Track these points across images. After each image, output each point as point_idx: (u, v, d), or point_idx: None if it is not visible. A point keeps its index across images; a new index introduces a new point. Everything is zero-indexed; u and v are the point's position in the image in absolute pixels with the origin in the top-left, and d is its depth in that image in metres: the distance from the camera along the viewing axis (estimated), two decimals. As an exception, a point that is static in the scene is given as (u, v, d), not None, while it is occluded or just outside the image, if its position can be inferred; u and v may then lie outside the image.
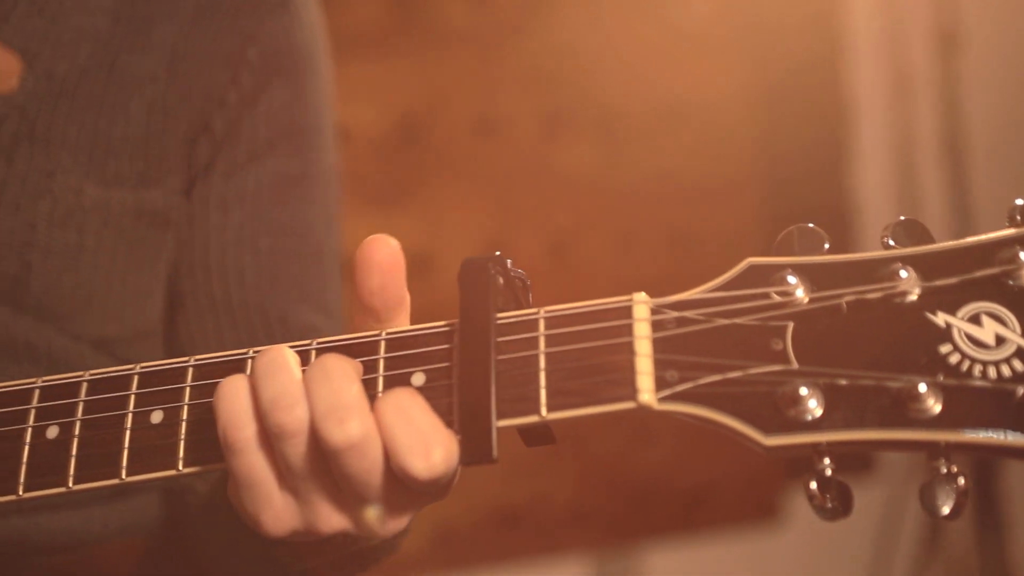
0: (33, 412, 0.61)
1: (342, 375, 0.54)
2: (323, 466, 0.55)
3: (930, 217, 2.76)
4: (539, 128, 2.58)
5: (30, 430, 0.60)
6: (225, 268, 0.86)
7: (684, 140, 2.60)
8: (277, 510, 0.55)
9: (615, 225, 2.56)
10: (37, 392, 0.61)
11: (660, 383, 0.52)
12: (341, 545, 0.63)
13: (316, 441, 0.54)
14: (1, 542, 0.78)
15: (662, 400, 0.52)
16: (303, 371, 0.56)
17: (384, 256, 0.57)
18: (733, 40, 2.60)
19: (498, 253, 0.57)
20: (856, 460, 2.65)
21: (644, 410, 0.53)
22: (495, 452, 0.53)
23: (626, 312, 0.54)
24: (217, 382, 0.59)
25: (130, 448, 0.59)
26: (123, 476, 0.59)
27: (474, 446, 0.54)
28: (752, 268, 0.54)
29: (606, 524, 2.49)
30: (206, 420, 0.59)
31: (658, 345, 0.53)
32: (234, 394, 0.55)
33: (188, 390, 0.60)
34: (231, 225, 0.86)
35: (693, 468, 2.51)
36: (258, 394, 0.55)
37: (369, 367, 0.57)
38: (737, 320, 0.52)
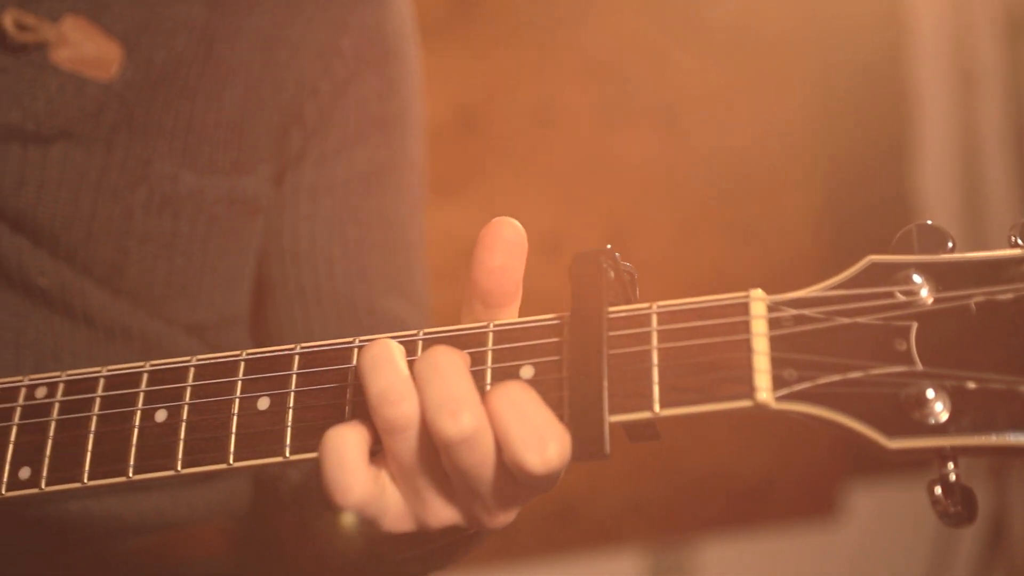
0: (142, 395, 0.61)
1: (452, 367, 0.54)
2: (434, 460, 0.54)
3: (995, 213, 2.70)
4: (598, 118, 2.56)
5: (139, 413, 0.61)
6: (314, 257, 0.86)
7: (745, 133, 2.57)
8: (391, 517, 0.55)
9: (674, 217, 2.54)
10: (146, 376, 0.62)
11: (778, 382, 0.51)
12: (439, 537, 0.63)
13: (427, 435, 0.53)
14: (95, 521, 0.79)
15: (780, 399, 0.51)
16: (411, 362, 0.55)
17: (510, 236, 0.56)
18: (796, 32, 2.56)
19: (608, 246, 0.57)
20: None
21: (761, 409, 0.52)
22: (607, 447, 0.53)
23: (742, 309, 0.53)
24: (322, 370, 0.59)
25: (237, 434, 0.59)
26: (230, 461, 0.59)
27: (586, 441, 0.53)
28: (873, 266, 0.52)
29: (661, 517, 2.48)
30: (313, 407, 0.59)
31: (776, 343, 0.52)
32: (344, 439, 0.54)
33: (295, 377, 0.60)
34: (321, 214, 0.86)
35: (750, 462, 2.48)
36: (365, 389, 0.54)
37: (477, 359, 0.56)
38: (858, 319, 0.51)
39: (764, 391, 0.51)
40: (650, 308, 0.55)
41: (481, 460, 0.53)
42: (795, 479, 2.52)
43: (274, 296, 0.87)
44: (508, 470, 0.53)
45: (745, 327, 0.52)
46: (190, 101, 0.82)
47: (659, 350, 0.54)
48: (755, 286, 0.55)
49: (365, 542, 0.64)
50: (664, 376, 0.53)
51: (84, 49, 0.79)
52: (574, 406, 0.54)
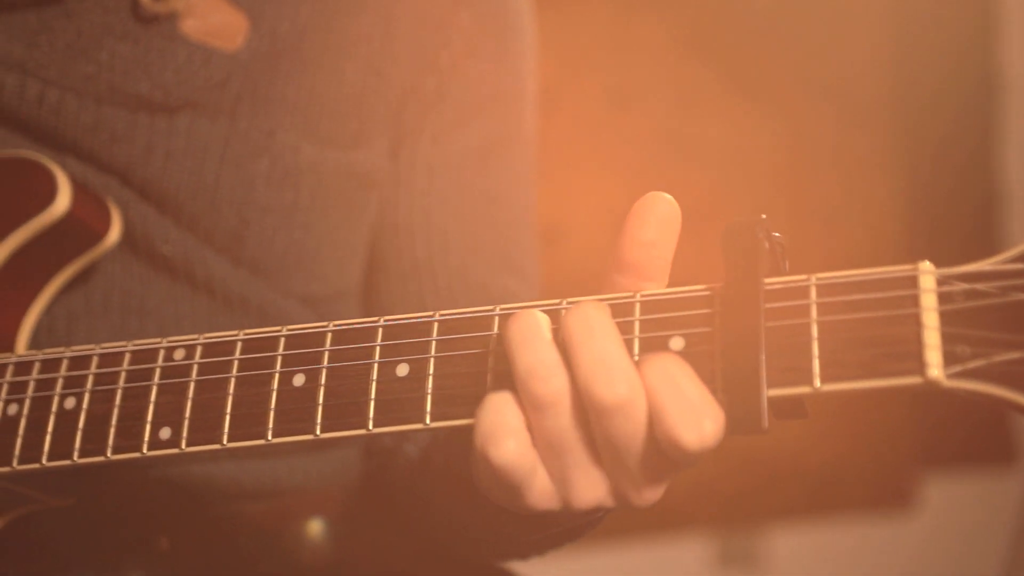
0: (279, 359, 0.61)
1: (605, 332, 0.51)
2: (582, 436, 0.52)
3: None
4: (674, 99, 2.52)
5: (277, 376, 0.60)
6: (429, 232, 0.85)
7: (823, 115, 2.50)
8: (537, 490, 0.53)
9: (750, 201, 2.49)
10: (283, 340, 0.61)
11: (949, 358, 0.49)
12: (578, 517, 0.61)
13: (578, 409, 0.52)
14: (216, 485, 0.79)
15: (951, 377, 0.48)
16: (561, 323, 0.53)
17: (664, 211, 0.54)
18: (877, 12, 2.49)
19: (764, 216, 0.54)
20: (996, 451, 2.53)
21: (931, 386, 0.49)
22: (765, 422, 0.50)
23: (911, 282, 0.50)
24: (462, 337, 0.58)
25: (376, 400, 0.58)
26: (370, 427, 0.58)
27: (742, 416, 0.51)
28: (1052, 240, 0.49)
29: (730, 503, 2.44)
30: (453, 375, 0.57)
31: (946, 318, 0.49)
32: (496, 414, 0.52)
33: (434, 344, 0.58)
34: (436, 189, 0.85)
35: (823, 449, 2.43)
36: (512, 364, 0.52)
37: (623, 328, 0.54)
38: (1038, 295, 0.48)
39: (935, 368, 0.49)
40: (808, 280, 0.53)
41: (634, 431, 0.51)
42: (867, 468, 2.47)
43: (387, 271, 0.86)
44: (658, 444, 0.52)
45: (913, 301, 0.50)
46: (312, 73, 0.81)
47: (819, 323, 0.51)
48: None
49: (494, 519, 0.63)
50: (825, 350, 0.51)
51: (211, 19, 0.79)
52: (728, 379, 0.52)
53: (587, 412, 0.51)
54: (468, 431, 0.55)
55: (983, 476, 2.32)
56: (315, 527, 0.81)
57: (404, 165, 0.85)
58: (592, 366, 0.51)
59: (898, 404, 2.44)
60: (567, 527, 0.63)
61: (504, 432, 0.52)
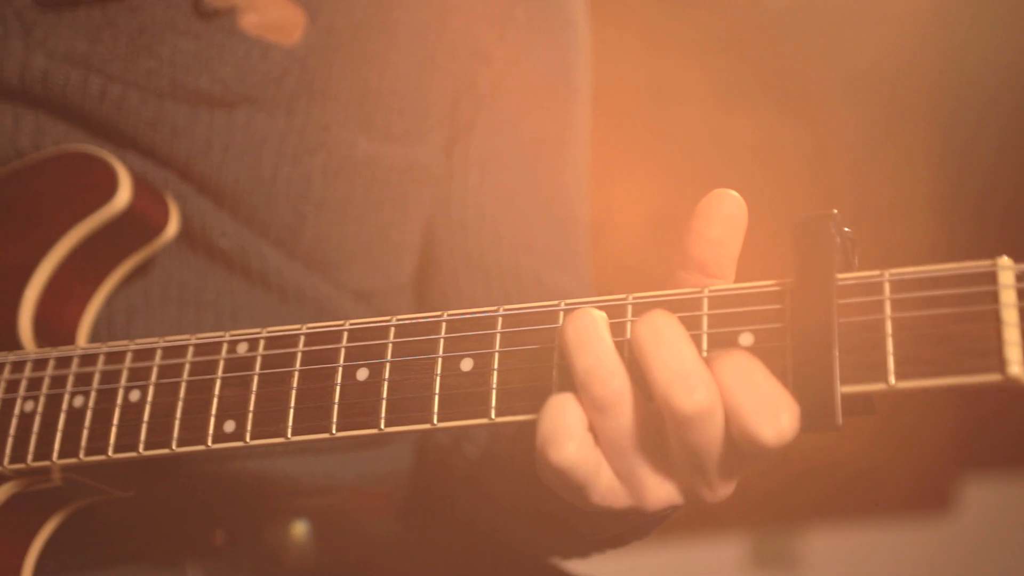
0: (343, 353, 0.61)
1: (676, 337, 0.50)
2: (648, 436, 0.51)
3: None
4: (713, 97, 2.50)
5: (340, 370, 0.60)
6: (482, 228, 0.84)
7: (862, 113, 2.48)
8: (602, 489, 0.52)
9: (785, 197, 2.47)
10: (346, 334, 0.61)
11: (1030, 355, 0.48)
12: (650, 515, 0.61)
13: (641, 410, 0.51)
14: (270, 480, 0.80)
15: (1033, 374, 0.48)
16: (631, 333, 0.53)
17: (730, 209, 0.53)
18: (918, 10, 2.46)
19: (836, 211, 0.54)
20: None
21: (1011, 384, 0.48)
22: (839, 418, 0.50)
23: (989, 278, 0.49)
24: (527, 330, 0.58)
25: (441, 394, 0.58)
26: (434, 422, 0.58)
27: (815, 412, 0.50)
28: None
29: (765, 502, 2.42)
30: (518, 369, 0.57)
31: (1027, 314, 0.48)
32: (559, 421, 0.52)
33: (498, 338, 0.58)
34: (489, 185, 0.85)
35: (861, 450, 2.40)
36: (571, 366, 0.52)
37: (691, 324, 0.54)
38: (1122, 291, 0.47)
39: (1016, 365, 0.47)
40: (881, 276, 0.52)
41: (713, 435, 0.50)
42: (907, 470, 2.44)
43: (440, 266, 0.86)
44: (735, 442, 0.51)
45: (992, 297, 0.49)
46: (367, 68, 0.81)
47: (893, 319, 0.50)
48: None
49: (561, 517, 0.63)
50: (899, 347, 0.50)
51: (270, 15, 0.79)
52: (800, 375, 0.51)
53: (663, 419, 0.51)
54: (533, 427, 0.55)
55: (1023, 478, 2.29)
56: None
57: (457, 160, 0.85)
58: (667, 375, 0.50)
59: (937, 405, 2.41)
60: (635, 524, 0.63)
61: (564, 435, 0.51)
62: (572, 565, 0.84)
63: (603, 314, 0.53)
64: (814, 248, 0.52)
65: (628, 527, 0.62)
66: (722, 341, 0.53)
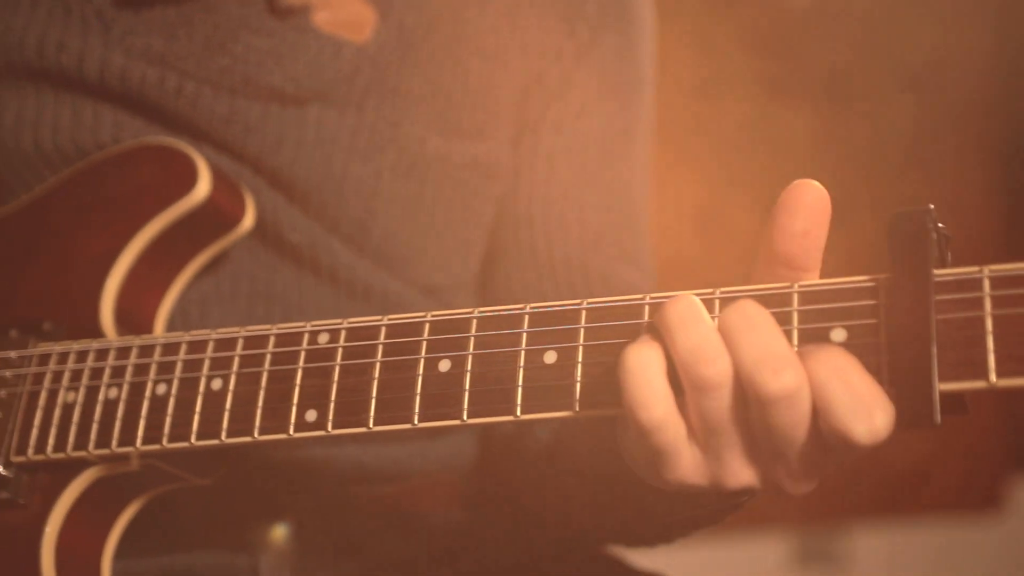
0: (424, 344, 0.61)
1: (767, 323, 0.50)
2: (741, 418, 0.51)
3: None
4: (761, 92, 2.47)
5: (422, 362, 0.60)
6: (549, 223, 0.84)
7: (913, 108, 2.44)
8: (683, 462, 0.52)
9: (835, 194, 2.43)
10: (427, 326, 0.61)
11: None
12: (730, 497, 0.60)
13: (739, 393, 0.50)
14: (338, 468, 0.80)
15: None
16: (720, 317, 0.53)
17: (814, 199, 0.52)
18: (973, 1, 2.41)
19: (932, 206, 0.53)
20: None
21: (1117, 383, 0.47)
22: (938, 416, 0.49)
23: (1094, 274, 0.48)
24: (611, 325, 0.57)
25: (524, 386, 0.58)
26: (517, 413, 0.57)
27: (912, 410, 0.49)
28: None
29: (811, 501, 2.40)
30: (602, 363, 0.57)
31: None
32: (641, 369, 0.51)
33: (582, 332, 0.58)
34: (556, 180, 0.84)
35: (908, 448, 2.37)
36: (674, 345, 0.51)
37: (781, 319, 0.53)
38: None
39: (1124, 363, 0.47)
40: (980, 272, 0.51)
41: (797, 421, 0.49)
42: (955, 469, 2.40)
43: (505, 260, 0.86)
44: (822, 436, 0.50)
45: (1098, 294, 0.48)
46: (439, 65, 0.81)
47: (993, 317, 0.49)
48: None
49: (636, 499, 0.63)
50: (1000, 344, 0.49)
51: (342, 12, 0.79)
52: (896, 372, 0.50)
53: (748, 401, 0.50)
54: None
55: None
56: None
57: (525, 155, 0.85)
58: (756, 355, 0.49)
59: (987, 403, 2.37)
60: (708, 510, 0.62)
61: (654, 396, 0.51)
62: (633, 555, 0.84)
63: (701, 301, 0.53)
64: (910, 243, 0.51)
65: (702, 510, 0.62)
66: (813, 336, 0.53)
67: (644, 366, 0.51)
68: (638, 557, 0.85)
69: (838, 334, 0.52)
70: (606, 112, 0.86)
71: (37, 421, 0.66)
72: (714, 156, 2.47)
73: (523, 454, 0.79)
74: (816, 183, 0.53)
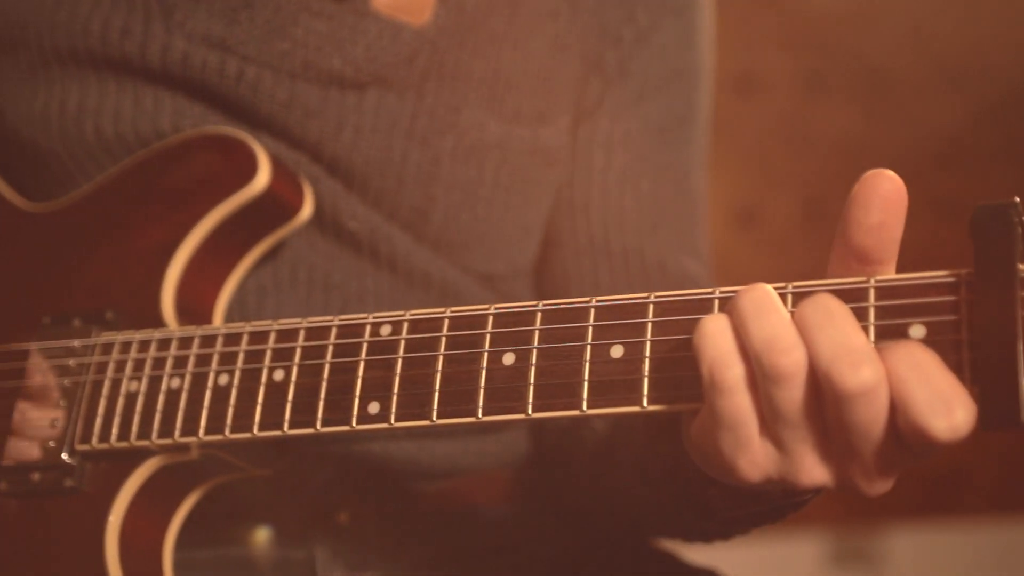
0: (488, 337, 0.60)
1: (845, 317, 0.49)
2: (815, 412, 0.49)
3: None
4: (802, 88, 2.44)
5: (486, 355, 0.59)
6: (606, 210, 0.83)
7: (956, 105, 2.40)
8: (755, 455, 0.51)
9: (873, 192, 2.40)
10: (491, 318, 0.60)
11: None
12: (781, 495, 0.59)
13: (813, 386, 0.49)
14: (393, 463, 0.80)
15: None
16: (791, 312, 0.52)
17: (888, 191, 0.51)
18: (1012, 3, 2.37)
19: (1017, 200, 0.51)
20: None
21: None
22: (1023, 415, 0.48)
23: None
24: (680, 319, 0.56)
25: (590, 381, 0.57)
26: (583, 408, 0.56)
27: (995, 408, 0.48)
28: None
29: (846, 501, 2.37)
30: (670, 359, 0.55)
31: None
32: (719, 332, 0.51)
33: (650, 326, 0.57)
34: (614, 167, 0.83)
35: (946, 450, 2.34)
36: (748, 334, 0.50)
37: (857, 315, 0.51)
38: None
39: None
40: (1069, 268, 0.49)
41: (874, 418, 0.48)
42: (995, 470, 2.36)
43: (561, 247, 0.85)
44: (900, 433, 0.49)
45: None
46: (498, 49, 0.80)
47: (1082, 314, 0.48)
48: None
49: (698, 492, 0.62)
50: (1091, 343, 0.47)
51: None
52: (979, 370, 0.49)
53: (824, 395, 0.49)
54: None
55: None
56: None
57: (582, 141, 0.83)
58: (834, 349, 0.48)
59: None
60: (770, 507, 0.61)
61: (731, 356, 0.50)
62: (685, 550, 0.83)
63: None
64: (995, 238, 0.50)
65: (765, 507, 0.61)
66: (891, 332, 0.51)
67: (722, 329, 0.51)
68: (689, 551, 0.84)
69: (917, 330, 0.51)
70: (665, 98, 0.84)
71: (101, 410, 0.66)
72: (752, 152, 2.44)
73: (579, 446, 0.78)
74: (891, 172, 0.52)
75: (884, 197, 0.51)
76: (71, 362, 0.69)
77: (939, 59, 2.41)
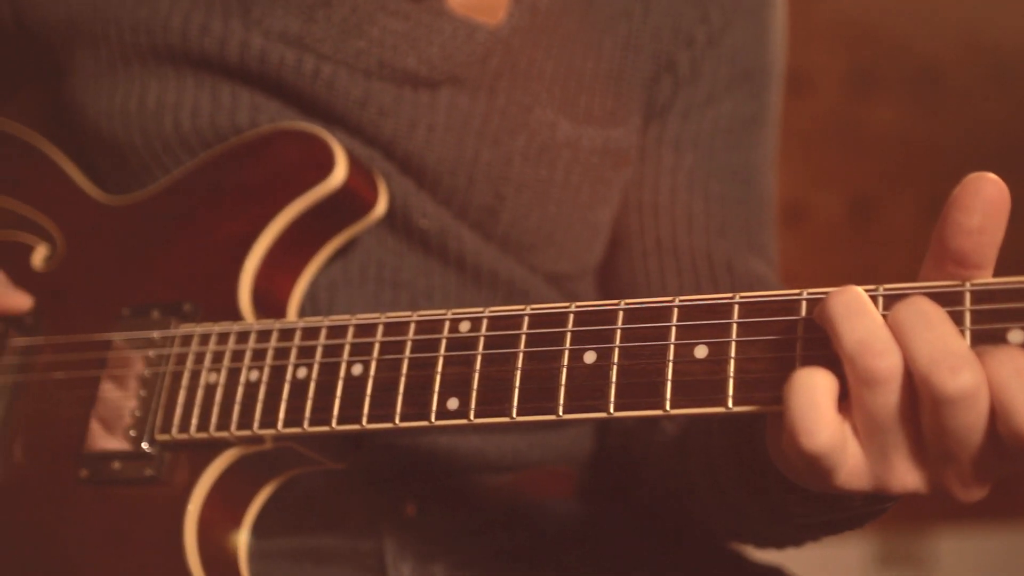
0: (569, 336, 0.59)
1: (943, 320, 0.48)
2: (909, 418, 0.48)
3: None
4: (850, 84, 2.41)
5: (567, 353, 0.59)
6: (675, 211, 0.82)
7: (1008, 100, 2.35)
8: (849, 465, 0.50)
9: (923, 188, 2.36)
10: (571, 317, 0.59)
11: None
12: (863, 502, 0.58)
13: (908, 390, 0.48)
14: (460, 456, 0.80)
15: None
16: (884, 315, 0.51)
17: (991, 194, 0.49)
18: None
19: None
20: None
21: None
22: None
23: None
24: (765, 321, 0.56)
25: (673, 380, 0.56)
26: (666, 408, 0.56)
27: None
28: None
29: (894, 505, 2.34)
30: (756, 359, 0.55)
31: None
32: (817, 381, 0.49)
33: (734, 327, 0.56)
34: (683, 167, 0.82)
35: None
36: (839, 338, 0.49)
37: (953, 319, 0.51)
38: None
39: None
40: None
41: (973, 423, 0.47)
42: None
43: (629, 247, 0.84)
44: (999, 440, 0.48)
45: None
46: (570, 49, 0.79)
47: None
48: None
49: (777, 500, 0.61)
50: None
51: None
52: (1082, 377, 0.47)
53: (920, 400, 0.48)
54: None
55: None
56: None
57: (651, 141, 0.83)
58: (932, 353, 0.47)
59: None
60: (849, 514, 0.60)
61: (818, 422, 0.48)
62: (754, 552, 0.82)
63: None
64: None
65: (844, 513, 0.59)
66: (988, 338, 0.50)
67: (812, 386, 0.49)
68: (755, 551, 0.83)
69: (1016, 335, 0.49)
70: (735, 99, 0.83)
71: (180, 401, 0.67)
72: (801, 150, 2.41)
73: (647, 447, 0.77)
74: (994, 176, 0.50)
75: (987, 200, 0.50)
76: (151, 353, 0.69)
77: (992, 55, 2.36)
